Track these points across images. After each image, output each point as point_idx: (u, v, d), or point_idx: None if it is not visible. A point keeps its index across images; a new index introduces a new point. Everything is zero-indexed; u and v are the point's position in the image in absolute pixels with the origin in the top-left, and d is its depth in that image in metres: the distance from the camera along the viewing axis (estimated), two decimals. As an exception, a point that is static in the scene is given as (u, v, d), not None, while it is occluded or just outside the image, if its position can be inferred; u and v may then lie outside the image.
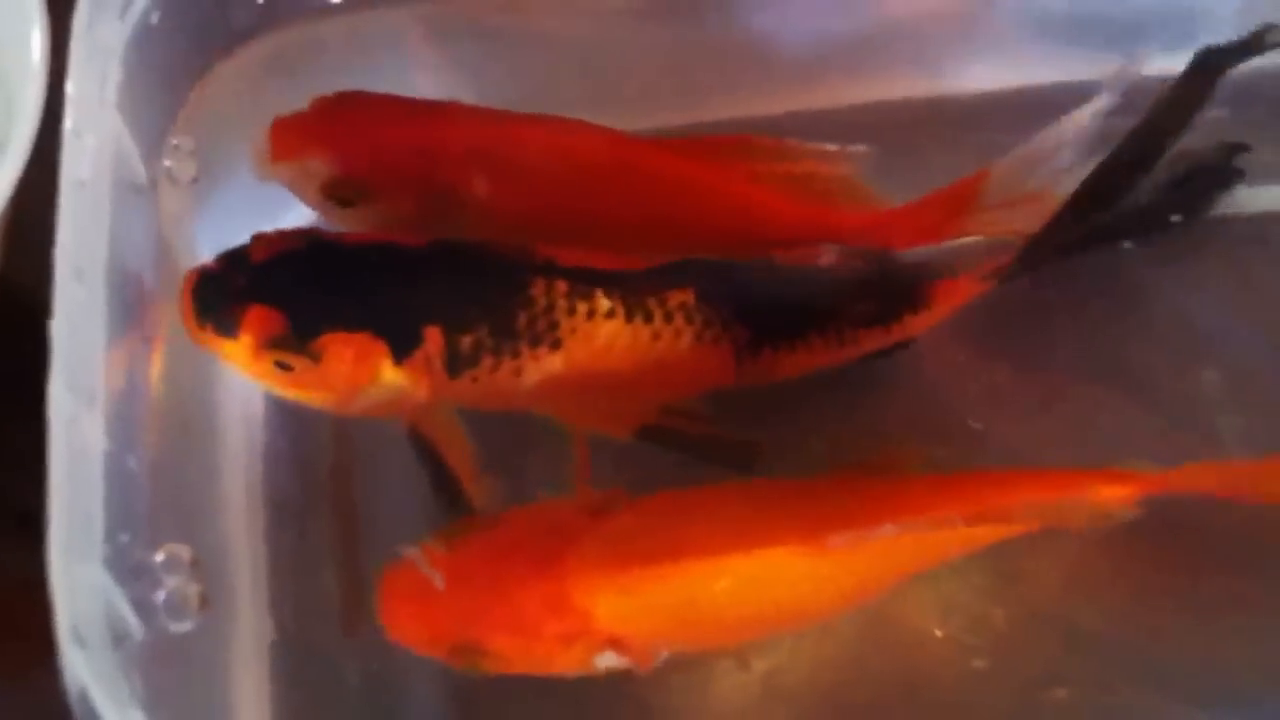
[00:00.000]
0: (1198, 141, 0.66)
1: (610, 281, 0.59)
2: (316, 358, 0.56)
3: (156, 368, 0.59)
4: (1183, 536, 0.63)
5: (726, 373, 0.62)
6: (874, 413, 0.67)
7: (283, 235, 0.57)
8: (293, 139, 0.60)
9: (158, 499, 0.56)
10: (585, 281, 0.59)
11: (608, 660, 0.57)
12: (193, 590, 0.57)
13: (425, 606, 0.56)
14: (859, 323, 0.63)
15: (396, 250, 0.58)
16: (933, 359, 0.67)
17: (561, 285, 0.59)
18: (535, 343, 0.58)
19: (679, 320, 0.60)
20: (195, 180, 0.62)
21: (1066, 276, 0.67)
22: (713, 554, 0.57)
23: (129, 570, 0.52)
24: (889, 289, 0.63)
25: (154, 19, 0.58)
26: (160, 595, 0.56)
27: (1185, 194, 0.68)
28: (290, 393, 0.58)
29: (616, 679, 0.58)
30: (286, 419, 0.65)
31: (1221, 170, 0.68)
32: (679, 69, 0.69)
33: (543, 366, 0.59)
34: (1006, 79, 0.71)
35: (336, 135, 0.60)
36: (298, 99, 0.62)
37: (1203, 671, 0.63)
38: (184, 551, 0.57)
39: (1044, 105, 0.64)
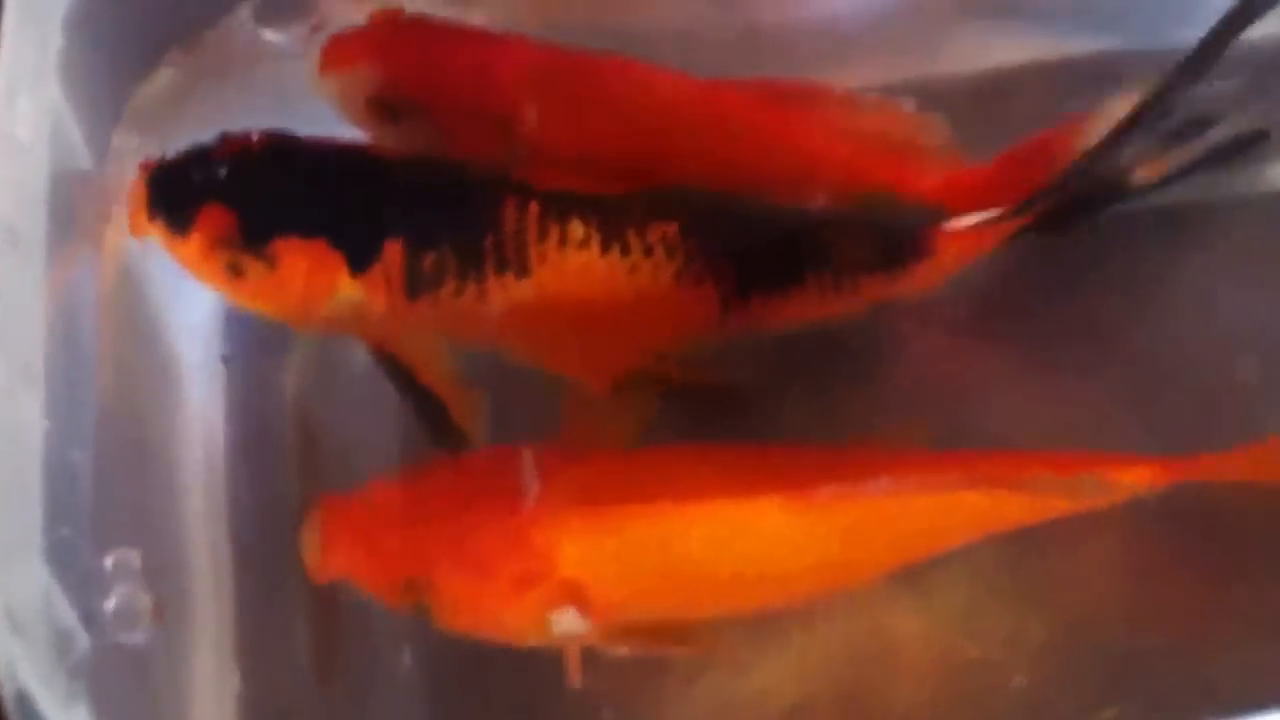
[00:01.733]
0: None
1: (587, 207, 0.56)
2: (270, 263, 0.53)
3: (106, 363, 0.55)
4: (1240, 538, 0.60)
5: (710, 318, 0.58)
6: (876, 391, 0.63)
7: (250, 135, 0.55)
8: (346, 48, 0.58)
9: (105, 499, 0.52)
10: (560, 206, 0.56)
11: (566, 622, 0.52)
12: (144, 600, 0.53)
13: (372, 535, 0.53)
14: (859, 269, 0.59)
15: (366, 159, 0.56)
16: (944, 343, 0.64)
17: (534, 208, 0.56)
18: (501, 268, 0.55)
19: (659, 254, 0.57)
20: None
21: (1087, 259, 0.64)
22: (691, 499, 0.53)
23: (72, 572, 0.48)
24: (889, 232, 0.60)
25: None
26: (109, 604, 0.52)
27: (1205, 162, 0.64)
28: (243, 300, 0.56)
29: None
30: (248, 413, 0.63)
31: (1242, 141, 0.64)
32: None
33: (509, 295, 0.56)
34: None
35: (391, 46, 0.59)
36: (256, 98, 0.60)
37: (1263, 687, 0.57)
38: (134, 557, 0.53)
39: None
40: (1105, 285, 0.65)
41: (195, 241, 0.53)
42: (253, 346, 0.64)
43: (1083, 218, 0.62)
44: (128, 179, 0.57)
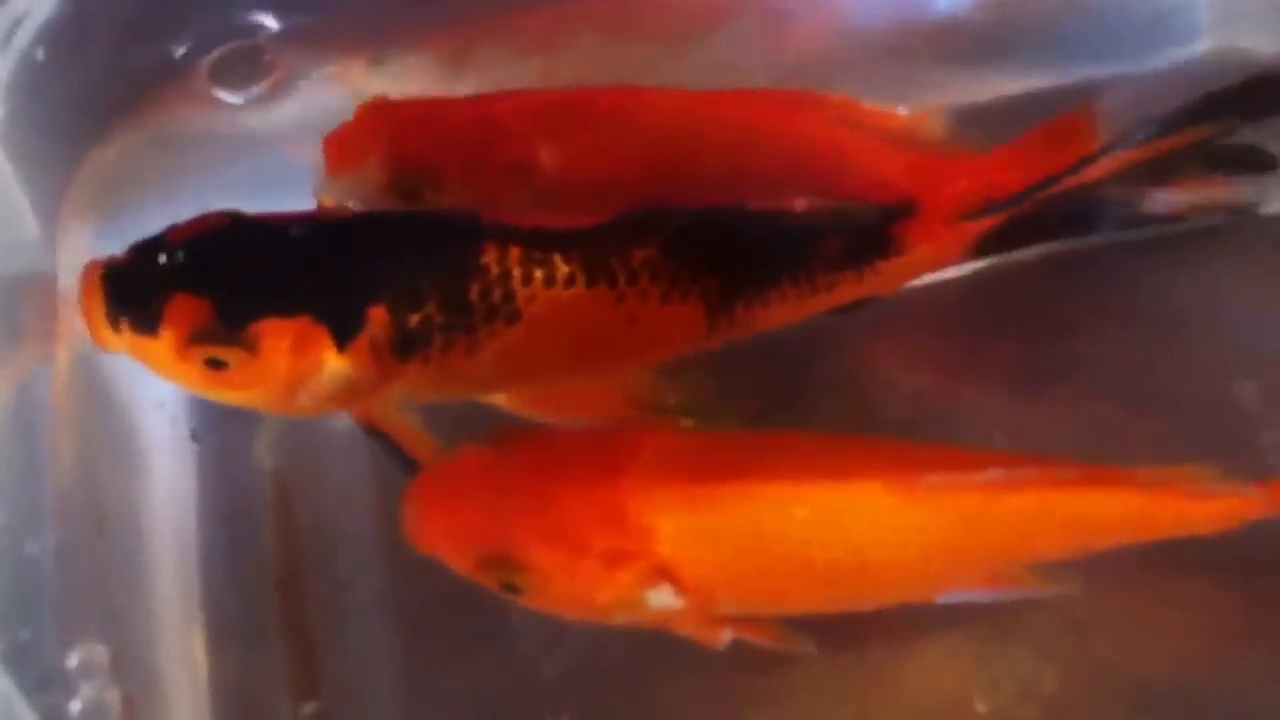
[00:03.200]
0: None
1: (567, 242, 0.54)
2: (252, 348, 0.50)
3: (65, 443, 0.54)
4: (1264, 572, 0.57)
5: (698, 331, 0.57)
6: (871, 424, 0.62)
7: (202, 218, 0.51)
8: (345, 148, 0.57)
9: (69, 590, 0.50)
10: (540, 245, 0.54)
11: (661, 598, 0.50)
12: (114, 696, 0.50)
13: (458, 508, 0.51)
14: (830, 267, 0.58)
15: (329, 225, 0.53)
16: (931, 378, 0.63)
17: (515, 251, 0.53)
18: (491, 316, 0.53)
19: (644, 278, 0.55)
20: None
21: (1091, 286, 0.64)
22: (792, 480, 0.51)
23: (33, 676, 0.46)
24: (855, 229, 0.58)
25: (39, 55, 0.54)
26: (75, 706, 0.49)
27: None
28: (225, 394, 0.52)
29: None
30: (220, 488, 0.61)
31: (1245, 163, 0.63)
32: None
33: (500, 343, 0.53)
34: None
35: (390, 129, 0.57)
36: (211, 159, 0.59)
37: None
38: (101, 652, 0.51)
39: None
40: (1102, 311, 0.64)
41: (167, 338, 0.49)
42: (222, 421, 0.62)
43: (1051, 232, 0.62)
44: (81, 245, 0.55)
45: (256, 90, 0.61)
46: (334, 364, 0.51)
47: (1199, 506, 0.53)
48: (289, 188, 0.56)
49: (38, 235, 0.54)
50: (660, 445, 0.52)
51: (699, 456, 0.52)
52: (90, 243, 0.57)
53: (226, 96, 0.61)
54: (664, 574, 0.50)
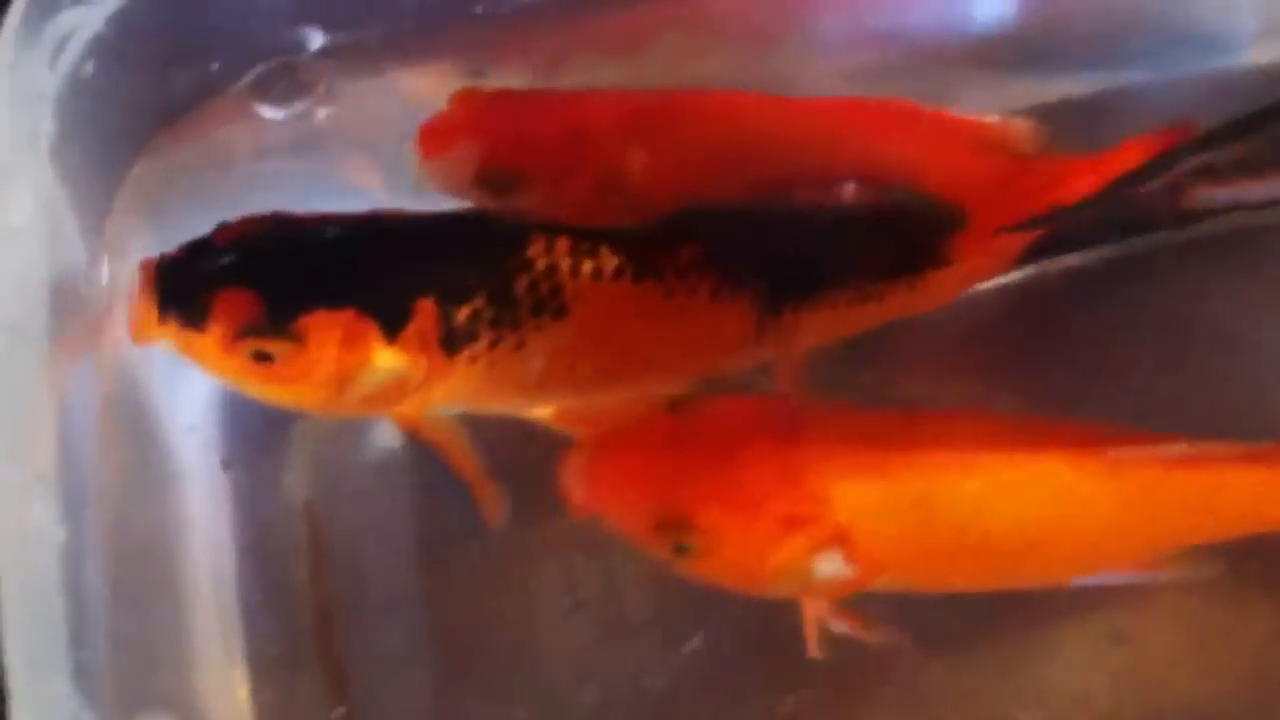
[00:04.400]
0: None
1: (614, 237, 0.54)
2: (299, 341, 0.50)
3: (107, 469, 0.52)
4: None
5: (747, 335, 0.57)
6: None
7: (248, 219, 0.52)
8: (445, 133, 0.57)
9: (120, 619, 0.49)
10: (590, 237, 0.54)
11: (830, 566, 0.50)
12: None
13: (633, 468, 0.51)
14: (880, 275, 0.57)
15: (376, 223, 0.53)
16: (988, 388, 0.63)
17: (563, 244, 0.53)
18: (538, 310, 0.53)
19: (692, 275, 0.55)
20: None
21: (1132, 295, 0.63)
22: (969, 451, 0.51)
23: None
24: (908, 237, 0.58)
25: (88, 70, 0.53)
26: None
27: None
28: (272, 390, 0.52)
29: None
30: (253, 517, 0.61)
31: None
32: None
33: (548, 339, 0.53)
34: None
35: (486, 121, 0.57)
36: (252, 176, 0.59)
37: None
38: (151, 684, 0.51)
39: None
40: (1141, 321, 0.64)
41: (215, 331, 0.49)
42: (253, 449, 0.62)
43: (1108, 238, 0.62)
44: (124, 268, 0.54)
45: (299, 106, 0.60)
46: (382, 357, 0.51)
47: None
48: (331, 204, 0.55)
49: (84, 255, 0.54)
50: (838, 415, 0.52)
51: (876, 427, 0.52)
52: (133, 260, 0.55)
53: (269, 113, 0.60)
54: (837, 540, 0.50)
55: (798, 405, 0.55)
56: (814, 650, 0.53)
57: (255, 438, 0.61)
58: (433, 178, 0.57)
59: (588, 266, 0.54)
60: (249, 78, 0.59)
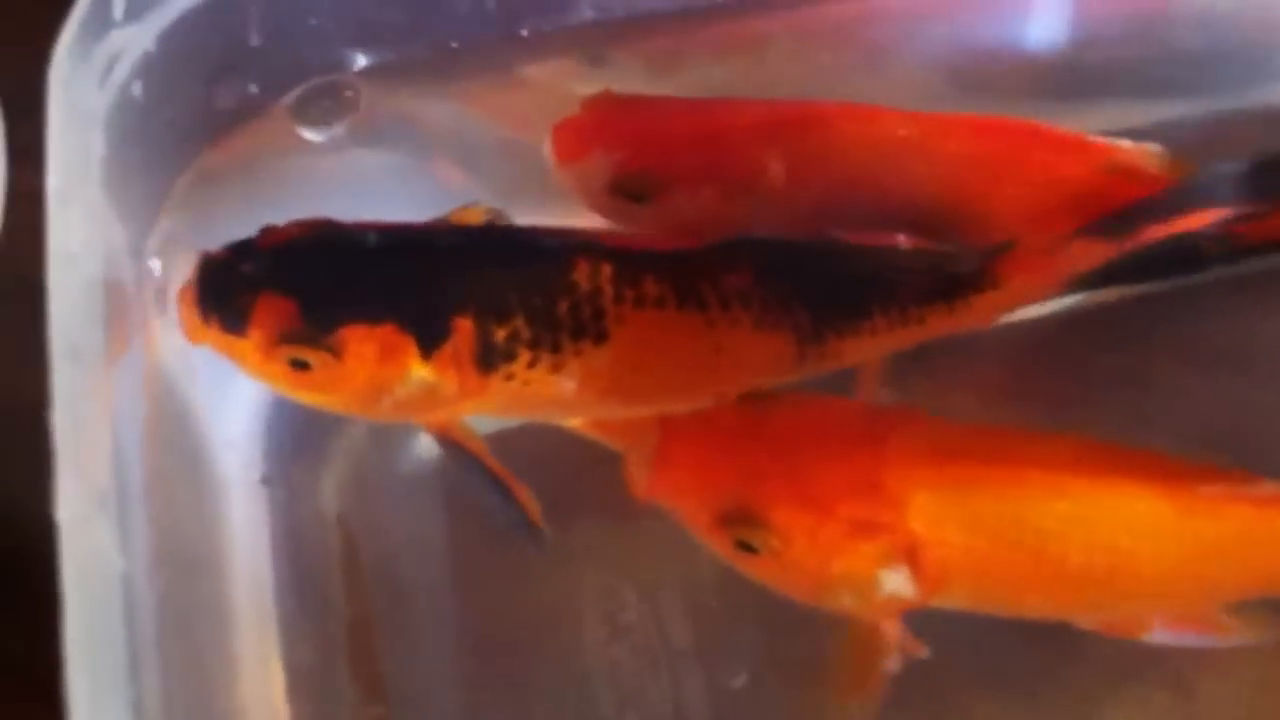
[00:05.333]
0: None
1: (660, 263, 0.54)
2: (337, 353, 0.50)
3: (155, 488, 0.52)
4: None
5: (787, 362, 0.56)
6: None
7: (296, 224, 0.52)
8: (580, 137, 0.58)
9: (167, 637, 0.49)
10: (633, 264, 0.53)
11: (894, 582, 0.49)
12: None
13: (703, 460, 0.50)
14: (921, 299, 0.57)
15: (420, 236, 0.54)
16: (1027, 419, 0.61)
17: (607, 268, 0.53)
18: (578, 334, 0.52)
19: (735, 306, 0.54)
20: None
21: (1174, 328, 0.63)
22: (1056, 471, 0.49)
23: None
24: (953, 264, 0.58)
25: (136, 91, 0.53)
26: None
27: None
28: (308, 395, 0.53)
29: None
30: (292, 531, 0.61)
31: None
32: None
33: (586, 362, 0.53)
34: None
35: (624, 129, 0.58)
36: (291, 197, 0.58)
37: None
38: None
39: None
40: (1184, 354, 0.64)
41: (254, 337, 0.49)
42: (289, 463, 0.62)
43: (1157, 273, 0.61)
44: (165, 286, 0.55)
45: (341, 126, 0.61)
46: (418, 373, 0.51)
47: None
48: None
49: (131, 274, 0.54)
50: (918, 423, 0.51)
51: (960, 438, 0.51)
52: (174, 278, 0.56)
53: (310, 134, 0.60)
54: (909, 553, 0.49)
55: (877, 409, 0.54)
56: (889, 664, 0.52)
57: (292, 452, 0.61)
58: (566, 181, 0.58)
59: (630, 293, 0.53)
60: (292, 96, 0.60)
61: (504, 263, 0.53)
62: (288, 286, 0.50)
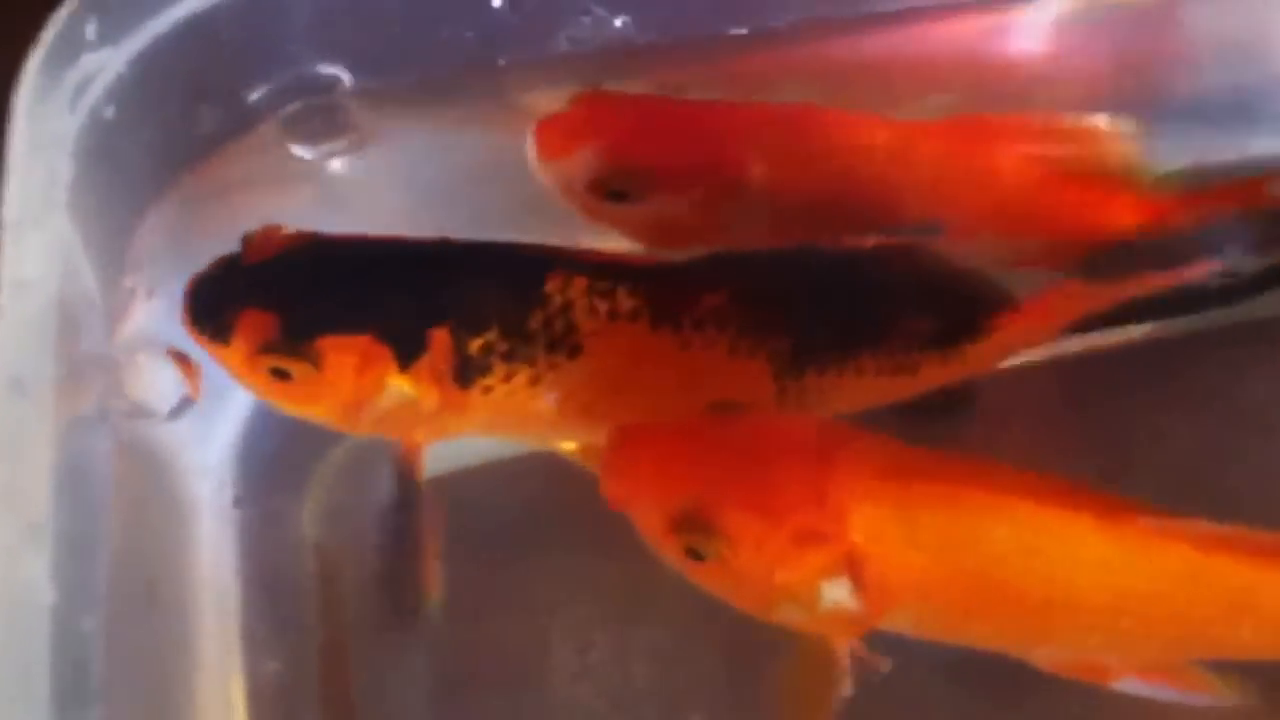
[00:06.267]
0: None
1: (634, 278, 0.54)
2: (315, 363, 0.51)
3: (118, 510, 0.53)
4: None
5: (765, 394, 0.56)
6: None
7: (278, 236, 0.54)
8: (564, 135, 0.58)
9: (118, 664, 0.49)
10: (607, 278, 0.54)
11: (836, 593, 0.49)
12: None
13: (658, 466, 0.51)
14: (913, 345, 0.56)
15: (399, 249, 0.54)
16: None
17: (580, 282, 0.53)
18: (553, 347, 0.53)
19: (711, 328, 0.54)
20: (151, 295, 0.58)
21: (1167, 378, 0.63)
22: (1001, 493, 0.50)
23: None
24: (945, 306, 0.57)
25: (109, 114, 0.53)
26: None
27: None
28: (291, 404, 0.54)
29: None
30: (263, 554, 0.61)
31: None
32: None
33: (561, 376, 0.54)
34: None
35: (609, 126, 0.58)
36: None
37: None
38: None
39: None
40: (1177, 404, 0.63)
41: (238, 349, 0.51)
42: (266, 489, 0.62)
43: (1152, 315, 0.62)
44: (145, 309, 0.56)
45: (329, 146, 0.61)
46: (396, 384, 0.52)
47: None
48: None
49: (100, 298, 0.54)
50: (875, 443, 0.51)
51: (909, 457, 0.51)
52: (154, 300, 0.58)
53: (299, 151, 0.61)
54: (851, 565, 0.49)
55: (832, 425, 0.54)
56: (842, 687, 0.52)
57: (269, 479, 0.62)
58: (549, 178, 0.58)
59: (603, 306, 0.53)
60: (274, 118, 0.59)
61: (479, 276, 0.54)
62: (270, 300, 0.51)
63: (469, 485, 0.62)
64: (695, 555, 0.50)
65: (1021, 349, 0.59)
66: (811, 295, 0.57)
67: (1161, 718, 0.55)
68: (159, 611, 0.56)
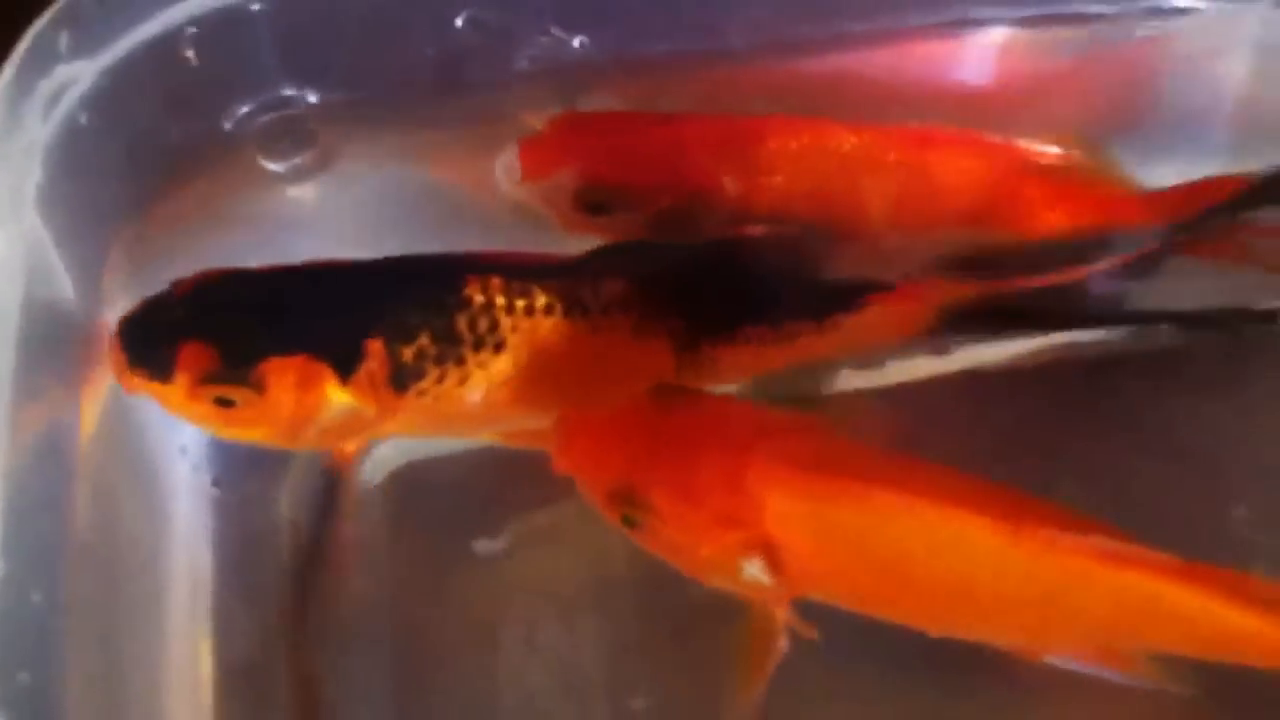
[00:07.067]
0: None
1: (543, 274, 0.58)
2: (258, 388, 0.53)
3: (82, 508, 0.55)
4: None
5: (667, 367, 0.60)
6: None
7: (202, 273, 0.55)
8: (541, 155, 0.61)
9: (78, 634, 0.51)
10: (520, 276, 0.57)
11: (752, 571, 0.53)
12: None
13: (601, 441, 0.55)
14: (790, 314, 0.61)
15: (320, 272, 0.56)
16: None
17: (496, 282, 0.57)
18: (478, 346, 0.56)
19: (615, 311, 0.58)
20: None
21: (1082, 397, 0.65)
22: (905, 492, 0.53)
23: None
24: (821, 285, 0.62)
25: (83, 120, 0.56)
26: None
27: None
28: (237, 432, 0.56)
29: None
30: (236, 546, 0.63)
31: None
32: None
33: (489, 372, 0.57)
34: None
35: (584, 145, 0.62)
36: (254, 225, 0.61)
37: None
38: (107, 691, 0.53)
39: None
40: (1094, 424, 0.65)
41: (180, 383, 0.53)
42: (243, 468, 0.64)
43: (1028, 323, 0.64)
44: (121, 304, 0.57)
45: (295, 159, 0.63)
46: (337, 398, 0.54)
47: None
48: (325, 253, 0.57)
49: (72, 294, 0.56)
50: (797, 434, 0.55)
51: (828, 451, 0.54)
52: (131, 297, 0.58)
53: (266, 164, 0.63)
54: (763, 549, 0.52)
55: (773, 416, 0.57)
56: (781, 645, 0.55)
57: (246, 462, 0.64)
58: (532, 198, 0.61)
59: (520, 303, 0.57)
60: (241, 131, 0.62)
61: (403, 287, 0.56)
62: (205, 331, 0.53)
63: (427, 474, 0.65)
64: (630, 524, 0.54)
65: (898, 332, 0.62)
66: (702, 277, 0.60)
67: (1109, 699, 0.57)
68: (131, 584, 0.58)
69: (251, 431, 0.55)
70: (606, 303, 0.58)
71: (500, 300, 0.56)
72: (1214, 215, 0.62)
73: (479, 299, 0.56)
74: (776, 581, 0.53)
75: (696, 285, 0.60)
